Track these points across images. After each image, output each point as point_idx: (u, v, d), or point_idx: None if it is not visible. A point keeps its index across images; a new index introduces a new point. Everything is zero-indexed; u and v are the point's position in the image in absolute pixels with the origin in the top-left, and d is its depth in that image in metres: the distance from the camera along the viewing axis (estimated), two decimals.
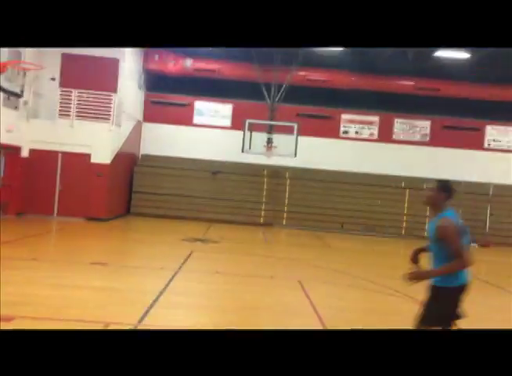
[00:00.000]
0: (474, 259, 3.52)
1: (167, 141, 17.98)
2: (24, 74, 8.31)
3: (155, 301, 5.78)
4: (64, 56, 14.65)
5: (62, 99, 14.20)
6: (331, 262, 10.27)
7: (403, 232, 17.32)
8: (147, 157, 17.91)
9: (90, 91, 14.33)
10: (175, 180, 17.03)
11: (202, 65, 17.35)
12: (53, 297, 5.76)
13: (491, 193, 17.56)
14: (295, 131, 16.25)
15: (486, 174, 17.69)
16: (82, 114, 14.23)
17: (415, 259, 3.89)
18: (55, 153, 14.03)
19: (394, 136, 18.41)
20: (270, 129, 16.71)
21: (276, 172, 17.74)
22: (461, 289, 3.51)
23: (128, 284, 6.71)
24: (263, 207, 17.38)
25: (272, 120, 16.87)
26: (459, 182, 17.46)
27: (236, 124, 17.66)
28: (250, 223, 16.76)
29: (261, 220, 17.22)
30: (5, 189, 13.02)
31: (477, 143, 18.23)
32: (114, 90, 14.73)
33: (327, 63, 16.95)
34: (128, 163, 16.73)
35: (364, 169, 17.92)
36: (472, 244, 15.40)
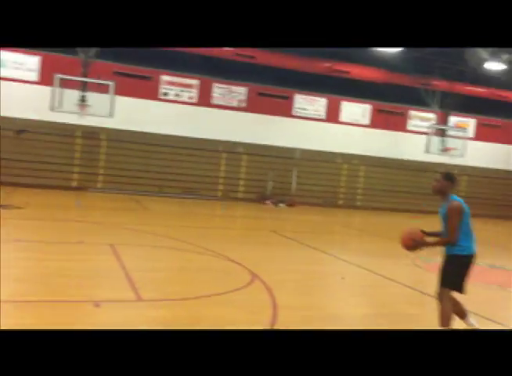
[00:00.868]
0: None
1: None
2: None
3: None
4: None
5: None
6: (147, 225, 10.17)
7: (220, 194, 17.98)
8: None
9: None
10: None
11: None
12: None
13: (297, 157, 19.13)
14: (111, 91, 15.46)
15: (293, 139, 19.19)
16: None
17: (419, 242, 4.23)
18: None
19: (213, 101, 18.74)
20: (84, 87, 15.59)
21: (91, 133, 16.74)
22: (470, 258, 4.12)
23: None
24: (76, 169, 16.33)
25: (85, 76, 15.73)
26: (267, 146, 18.72)
27: (46, 79, 16.07)
28: (60, 187, 15.64)
29: (74, 184, 16.19)
30: None
31: (287, 111, 19.59)
32: None
33: None
34: None
35: (183, 132, 17.96)
36: (280, 204, 16.82)
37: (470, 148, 20.46)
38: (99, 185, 16.55)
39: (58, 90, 15.12)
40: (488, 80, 18.96)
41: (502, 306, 6.10)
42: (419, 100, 19.92)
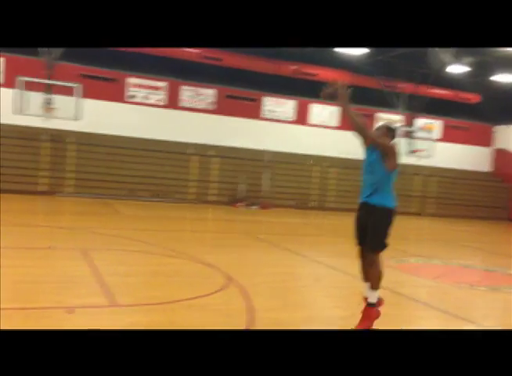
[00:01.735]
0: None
1: None
2: None
3: None
4: None
5: None
6: (118, 229, 10.01)
7: (190, 197, 17.85)
8: None
9: None
10: None
11: None
12: None
13: (266, 158, 19.17)
14: (77, 93, 15.19)
15: (262, 141, 19.24)
16: None
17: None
18: None
19: (181, 103, 18.61)
20: (49, 89, 15.26)
21: (58, 136, 16.37)
22: (394, 211, 4.20)
23: None
24: (42, 174, 15.91)
25: (50, 79, 15.39)
26: (240, 150, 18.71)
27: (9, 81, 15.65)
28: (26, 192, 15.21)
29: (41, 188, 15.79)
30: None
31: (256, 113, 19.63)
32: None
33: None
34: None
35: (152, 135, 17.78)
36: (253, 207, 16.78)
37: (438, 149, 21.02)
38: (67, 189, 16.17)
39: (22, 92, 14.76)
40: (453, 82, 19.50)
41: (473, 305, 6.26)
42: (385, 102, 20.31)
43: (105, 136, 17.06)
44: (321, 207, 19.54)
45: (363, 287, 4.48)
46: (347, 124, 4.34)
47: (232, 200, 17.86)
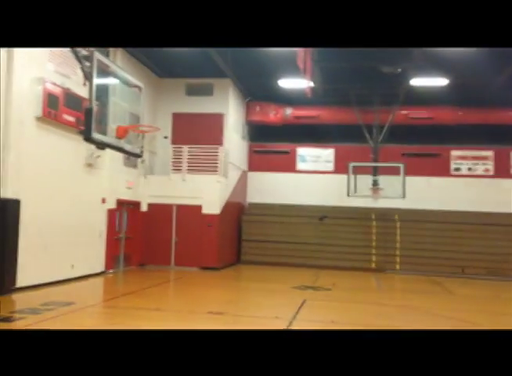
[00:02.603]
0: None
1: (272, 188, 18.35)
2: (143, 136, 9.05)
3: None
4: (174, 116, 15.77)
5: (174, 155, 15.19)
6: (454, 311, 9.57)
7: None
8: (254, 205, 18.35)
9: (199, 145, 15.20)
10: (282, 227, 17.17)
11: (302, 112, 17.70)
12: None
13: None
14: (402, 172, 15.82)
15: None
16: (192, 168, 15.07)
17: None
18: (170, 206, 14.89)
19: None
20: (375, 171, 16.42)
21: (385, 215, 17.23)
22: None
23: None
24: (373, 251, 16.84)
25: (375, 161, 16.59)
26: None
27: (339, 168, 17.63)
28: (360, 269, 16.28)
29: (373, 265, 16.66)
30: (129, 242, 13.99)
31: None
32: (221, 143, 15.49)
33: (429, 100, 16.47)
34: (236, 212, 17.24)
35: (480, 207, 16.81)
36: None
37: None
38: (396, 266, 16.59)
39: (352, 177, 16.30)
40: None
41: None
42: None
43: (430, 212, 17.06)
44: None
45: None
46: None
47: None
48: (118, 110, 7.92)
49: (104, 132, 7.41)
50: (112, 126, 7.66)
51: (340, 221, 17.11)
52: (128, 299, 9.50)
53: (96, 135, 7.13)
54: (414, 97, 16.05)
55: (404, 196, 15.79)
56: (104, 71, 7.51)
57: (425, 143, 17.73)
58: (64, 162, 10.70)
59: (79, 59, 7.40)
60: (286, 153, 18.76)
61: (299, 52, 10.59)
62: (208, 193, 14.84)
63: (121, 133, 7.85)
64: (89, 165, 11.66)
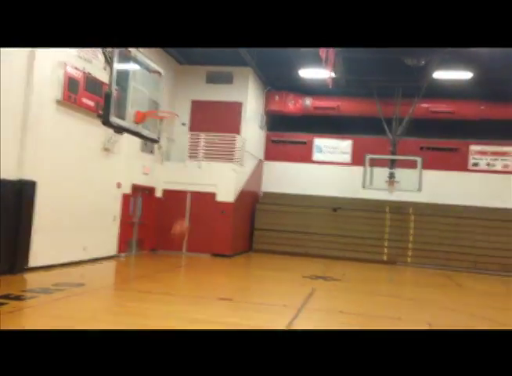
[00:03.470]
0: None
1: (288, 178, 18.35)
2: (161, 122, 9.12)
3: None
4: (193, 103, 15.85)
5: (191, 142, 15.29)
6: (465, 305, 9.53)
7: None
8: (268, 194, 18.39)
9: (216, 133, 15.27)
10: (296, 217, 17.20)
11: (321, 103, 17.61)
12: None
13: None
14: (419, 166, 15.69)
15: None
16: (209, 155, 15.15)
17: None
18: (185, 192, 15.02)
19: None
20: (392, 164, 16.30)
21: (399, 208, 17.13)
22: None
23: (254, 321, 6.85)
24: (386, 244, 16.79)
25: (393, 154, 16.46)
26: None
27: (357, 159, 17.52)
28: (372, 261, 16.25)
29: (384, 257, 16.62)
30: (142, 227, 14.18)
31: None
32: (238, 131, 15.53)
33: (451, 93, 16.23)
34: (250, 201, 17.31)
35: (496, 203, 16.60)
36: None
37: None
38: (408, 259, 16.53)
39: (368, 169, 16.21)
40: None
41: None
42: None
43: (445, 206, 16.90)
44: None
45: None
46: None
47: None
48: (137, 96, 7.98)
49: (123, 117, 7.47)
50: (130, 111, 7.72)
51: (353, 213, 17.06)
52: (138, 282, 9.69)
53: (115, 119, 7.18)
54: (436, 90, 15.84)
55: (420, 189, 15.67)
56: (125, 56, 7.56)
57: (444, 137, 17.53)
58: (82, 146, 10.86)
59: None
60: (303, 143, 18.71)
61: None
62: (223, 181, 14.93)
63: (140, 118, 7.93)
64: (106, 150, 11.82)
